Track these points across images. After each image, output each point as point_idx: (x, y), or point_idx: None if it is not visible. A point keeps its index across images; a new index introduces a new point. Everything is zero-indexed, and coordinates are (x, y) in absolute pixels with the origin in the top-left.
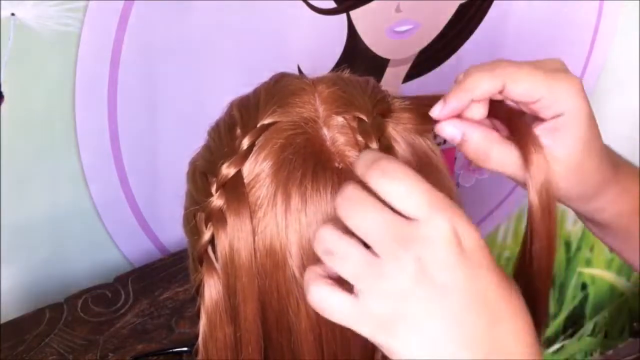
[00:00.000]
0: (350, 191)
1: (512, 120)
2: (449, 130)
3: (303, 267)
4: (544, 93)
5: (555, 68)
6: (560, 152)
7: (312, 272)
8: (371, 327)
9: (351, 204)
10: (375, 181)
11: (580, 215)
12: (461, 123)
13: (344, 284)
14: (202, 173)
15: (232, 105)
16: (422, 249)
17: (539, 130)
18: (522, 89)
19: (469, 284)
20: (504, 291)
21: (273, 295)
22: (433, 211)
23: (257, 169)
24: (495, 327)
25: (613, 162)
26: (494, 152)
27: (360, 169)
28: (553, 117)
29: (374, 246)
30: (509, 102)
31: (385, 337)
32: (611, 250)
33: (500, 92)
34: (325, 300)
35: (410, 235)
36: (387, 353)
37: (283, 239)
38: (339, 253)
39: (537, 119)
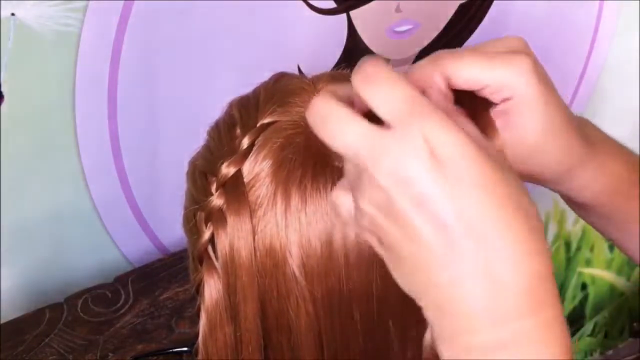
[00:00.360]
0: (320, 105)
1: (470, 107)
2: None
3: (303, 267)
4: (487, 80)
5: (507, 48)
6: (515, 136)
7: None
8: (363, 232)
9: (322, 119)
10: (358, 87)
11: (562, 196)
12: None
13: None
14: (202, 172)
15: (231, 105)
16: (393, 162)
17: (493, 114)
18: (463, 79)
19: (450, 205)
20: (493, 211)
21: (273, 294)
22: (404, 118)
23: (257, 169)
24: (489, 258)
25: (589, 139)
26: None
27: (352, 76)
28: (502, 101)
29: (351, 161)
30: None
31: (379, 249)
32: (595, 228)
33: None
34: (338, 202)
35: (382, 146)
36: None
37: (283, 239)
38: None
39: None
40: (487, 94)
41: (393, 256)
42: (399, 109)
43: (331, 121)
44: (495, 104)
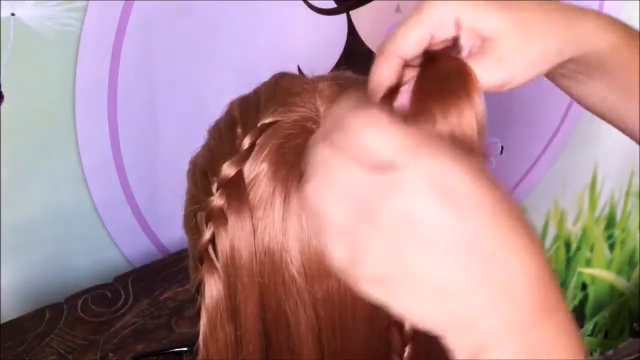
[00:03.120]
0: (320, 156)
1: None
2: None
3: (302, 267)
4: (421, 35)
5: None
6: (493, 53)
7: None
8: (365, 283)
9: (323, 169)
10: (344, 141)
11: (561, 75)
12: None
13: None
14: (203, 172)
15: (232, 105)
16: (403, 197)
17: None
18: (410, 48)
19: (458, 230)
20: (507, 233)
21: (273, 294)
22: (410, 155)
23: (257, 169)
24: (500, 273)
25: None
26: None
27: (321, 135)
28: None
29: (355, 207)
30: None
31: (381, 295)
32: (595, 106)
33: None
34: (331, 249)
35: (389, 184)
36: (389, 310)
37: (282, 239)
38: (328, 211)
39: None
40: (442, 39)
41: (403, 295)
42: (399, 149)
43: (327, 166)
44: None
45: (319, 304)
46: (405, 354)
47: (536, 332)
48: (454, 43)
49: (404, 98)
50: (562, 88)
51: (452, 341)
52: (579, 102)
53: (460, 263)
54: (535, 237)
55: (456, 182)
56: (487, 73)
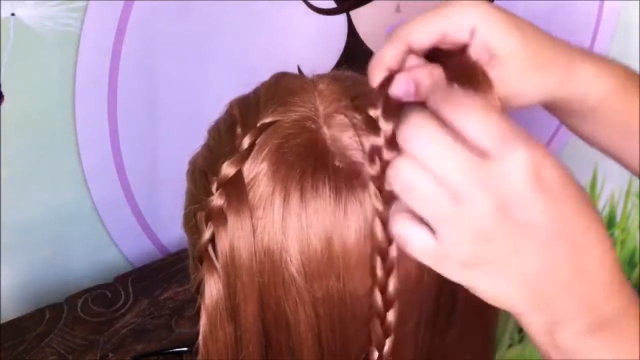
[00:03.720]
0: (421, 123)
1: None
2: (397, 86)
3: (302, 267)
4: (440, 29)
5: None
6: (499, 66)
7: (397, 206)
8: (452, 268)
9: (423, 138)
10: (451, 114)
11: (564, 112)
12: (404, 73)
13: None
14: (203, 172)
15: (232, 104)
16: (501, 187)
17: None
18: (420, 39)
19: (550, 217)
20: (586, 221)
21: (272, 294)
22: (509, 146)
23: (257, 168)
24: (579, 256)
25: (573, 55)
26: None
27: (433, 102)
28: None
29: (452, 186)
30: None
31: (468, 278)
32: (596, 140)
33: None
34: (408, 237)
35: (487, 174)
36: (471, 291)
37: (282, 239)
38: (420, 192)
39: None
40: (452, 42)
41: (489, 277)
42: (498, 139)
43: (435, 144)
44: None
45: (319, 304)
46: (386, 347)
47: (605, 307)
48: (462, 50)
49: (400, 86)
50: (556, 117)
51: (529, 319)
52: (574, 132)
53: (548, 248)
54: (603, 224)
55: (549, 173)
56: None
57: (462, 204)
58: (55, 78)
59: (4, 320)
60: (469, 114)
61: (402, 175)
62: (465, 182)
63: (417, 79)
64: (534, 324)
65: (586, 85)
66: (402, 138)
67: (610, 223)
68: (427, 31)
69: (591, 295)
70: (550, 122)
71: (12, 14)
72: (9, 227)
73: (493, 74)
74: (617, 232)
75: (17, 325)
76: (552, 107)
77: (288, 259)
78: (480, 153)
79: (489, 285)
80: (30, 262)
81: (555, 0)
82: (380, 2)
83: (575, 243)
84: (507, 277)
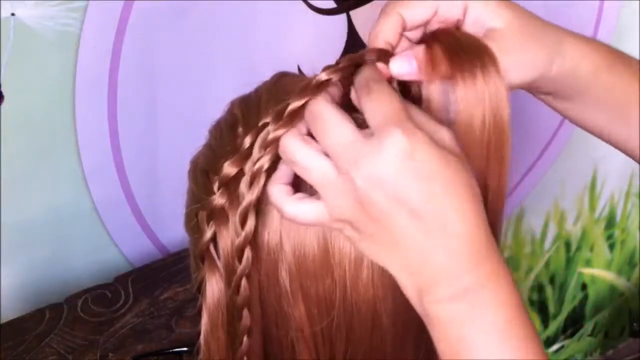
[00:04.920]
0: (316, 105)
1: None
2: (398, 65)
3: (298, 268)
4: (432, 5)
5: None
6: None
7: (276, 187)
8: (340, 226)
9: (315, 117)
10: (359, 97)
11: (557, 93)
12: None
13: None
14: (204, 171)
15: (233, 104)
16: (371, 165)
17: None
18: (415, 15)
19: (415, 194)
20: (454, 201)
21: (272, 293)
22: (389, 129)
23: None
24: (441, 231)
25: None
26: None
27: (357, 82)
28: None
29: (332, 159)
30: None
31: (351, 235)
32: (591, 125)
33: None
34: (295, 212)
35: (362, 152)
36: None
37: (280, 238)
38: (301, 163)
39: None
40: (445, 19)
41: (368, 242)
42: (382, 121)
43: (323, 120)
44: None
45: (314, 303)
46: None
47: (467, 278)
48: (456, 26)
49: (402, 65)
50: (547, 103)
51: (402, 281)
52: (566, 117)
53: (413, 221)
54: (478, 208)
55: (421, 157)
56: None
57: (343, 174)
58: (55, 78)
59: (4, 320)
60: (370, 98)
61: (285, 149)
62: (343, 154)
63: (419, 58)
64: (407, 287)
65: (576, 60)
66: (306, 115)
67: (610, 223)
68: (420, 5)
69: (453, 266)
70: (551, 122)
71: (12, 14)
72: (9, 227)
73: (495, 47)
74: (617, 232)
75: (17, 325)
76: (544, 88)
77: (285, 257)
78: (368, 132)
79: (366, 246)
80: (30, 262)
81: (555, 0)
82: (380, 2)
83: (438, 219)
84: (380, 242)
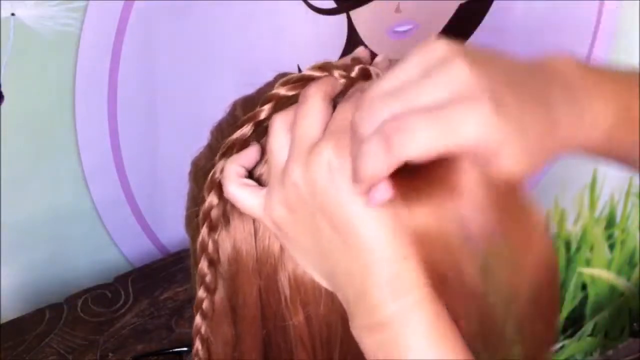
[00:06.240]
0: (310, 91)
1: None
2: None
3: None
4: (441, 151)
5: (452, 93)
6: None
7: (233, 165)
8: (273, 228)
9: (303, 100)
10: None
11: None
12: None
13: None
14: (205, 173)
15: (235, 105)
16: (305, 174)
17: None
18: (419, 156)
19: (333, 212)
20: (373, 223)
21: (271, 295)
22: (321, 142)
23: (260, 170)
24: (357, 254)
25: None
26: None
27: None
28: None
29: (291, 144)
30: None
31: (280, 237)
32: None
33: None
34: (234, 194)
35: (301, 160)
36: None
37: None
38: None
39: None
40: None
41: (292, 245)
42: (310, 134)
43: (307, 106)
44: None
45: (312, 306)
46: None
47: (385, 309)
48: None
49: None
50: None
51: (337, 293)
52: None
53: (334, 242)
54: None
55: (338, 171)
56: None
57: (285, 175)
58: (55, 78)
59: (4, 320)
60: (309, 110)
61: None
62: (300, 147)
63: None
64: (341, 299)
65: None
66: (300, 95)
67: (610, 223)
68: (425, 146)
69: (369, 296)
70: None
71: (12, 14)
72: (9, 227)
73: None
74: (617, 232)
75: (17, 325)
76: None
77: (285, 261)
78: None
79: (297, 256)
80: (30, 262)
81: (555, 0)
82: (380, 2)
83: (356, 242)
84: (307, 253)
